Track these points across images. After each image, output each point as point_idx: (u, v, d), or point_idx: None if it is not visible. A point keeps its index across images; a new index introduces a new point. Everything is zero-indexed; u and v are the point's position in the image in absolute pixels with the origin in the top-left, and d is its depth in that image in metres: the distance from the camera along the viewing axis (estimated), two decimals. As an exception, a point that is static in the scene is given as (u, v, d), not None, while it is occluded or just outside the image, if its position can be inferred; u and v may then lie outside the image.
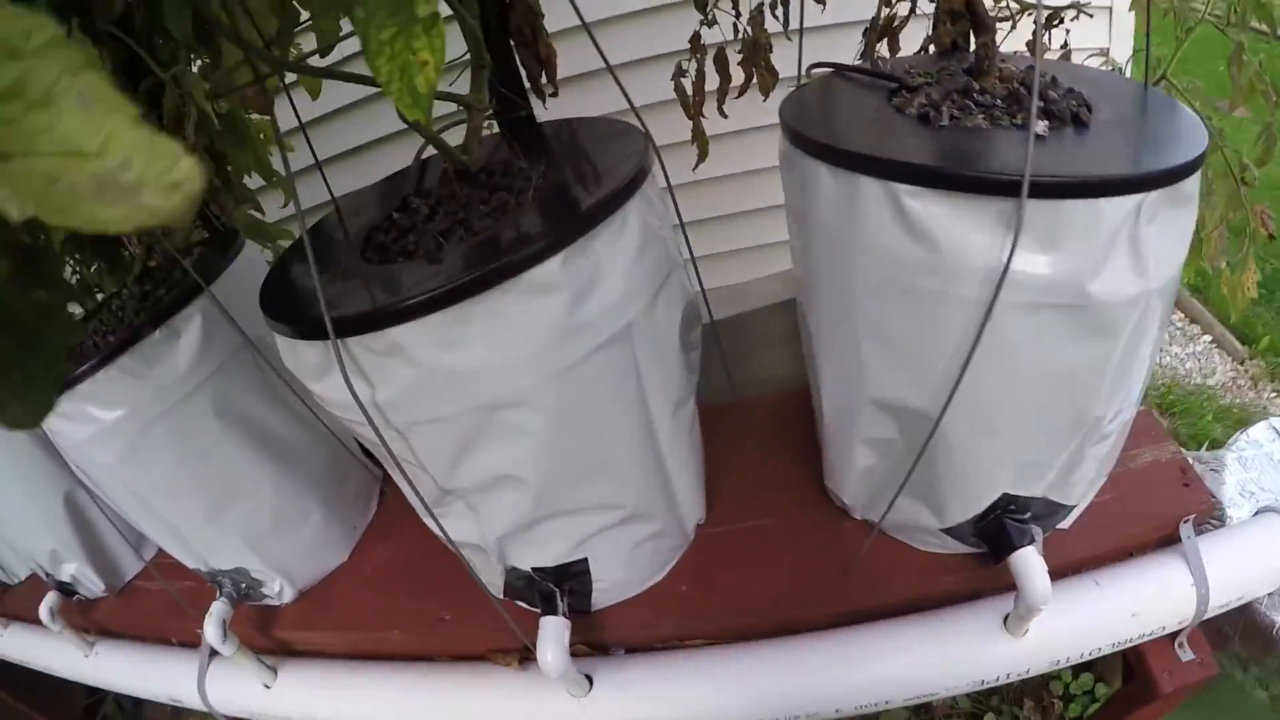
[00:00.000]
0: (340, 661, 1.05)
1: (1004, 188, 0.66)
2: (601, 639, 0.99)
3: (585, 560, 0.91)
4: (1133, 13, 1.13)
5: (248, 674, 1.04)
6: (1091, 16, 1.09)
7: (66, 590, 1.24)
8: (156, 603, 1.13)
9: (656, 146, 0.85)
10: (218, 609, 1.02)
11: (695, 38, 1.17)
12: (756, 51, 1.10)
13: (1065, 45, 1.12)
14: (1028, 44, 1.12)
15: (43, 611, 1.19)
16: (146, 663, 1.13)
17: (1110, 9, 2.04)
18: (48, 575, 1.24)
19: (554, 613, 0.91)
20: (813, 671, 0.93)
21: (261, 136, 1.23)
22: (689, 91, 1.17)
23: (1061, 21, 1.11)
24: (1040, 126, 0.75)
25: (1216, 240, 0.98)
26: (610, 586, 0.95)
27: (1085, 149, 0.73)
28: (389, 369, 0.74)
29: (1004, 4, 1.06)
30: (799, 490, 1.03)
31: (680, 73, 1.18)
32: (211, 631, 1.01)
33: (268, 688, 1.04)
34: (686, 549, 1.00)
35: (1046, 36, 1.10)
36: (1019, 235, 0.65)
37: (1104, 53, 1.16)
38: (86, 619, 1.27)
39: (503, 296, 0.71)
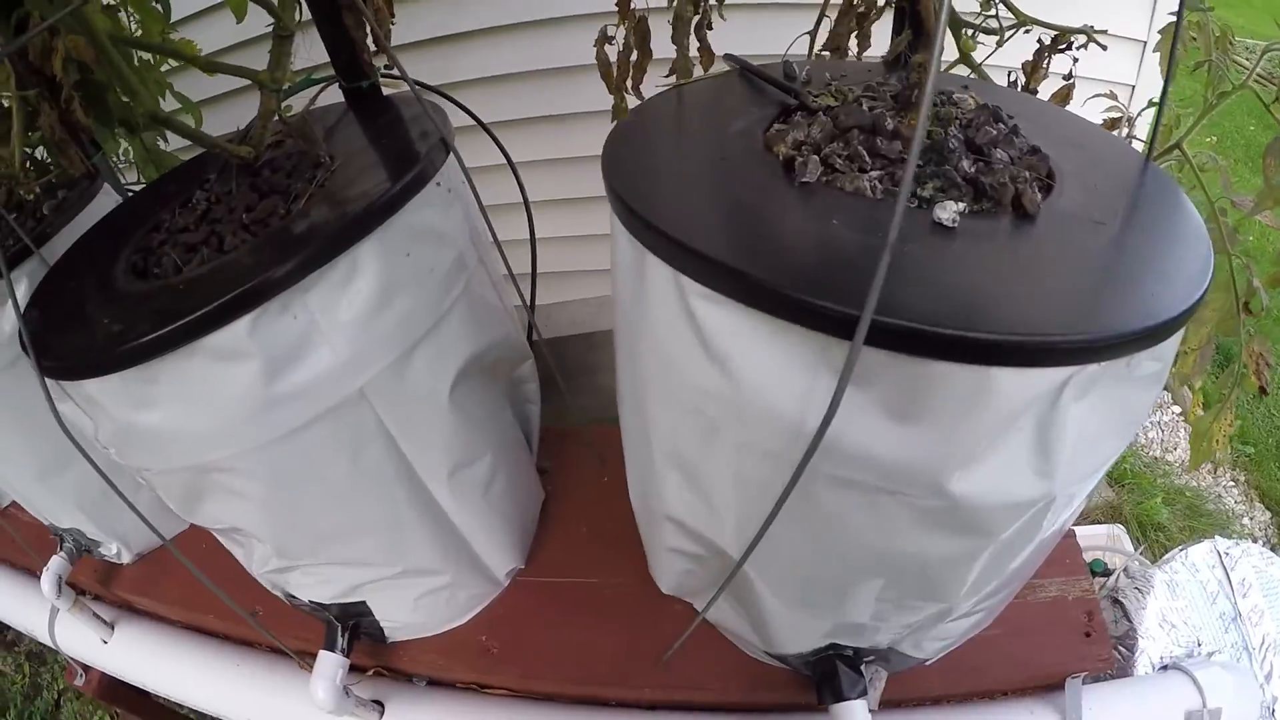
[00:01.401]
0: (172, 628, 0.93)
1: (831, 323, 0.39)
2: (401, 667, 0.82)
3: (364, 603, 0.74)
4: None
5: (87, 626, 0.93)
6: (1105, 49, 0.73)
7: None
8: (27, 533, 1.03)
9: (457, 153, 0.59)
10: (55, 564, 0.89)
11: (624, 2, 0.85)
12: (680, 28, 0.79)
13: (1070, 76, 0.76)
14: (1024, 66, 0.77)
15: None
16: (8, 591, 1.04)
17: (1144, 44, 1.44)
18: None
19: (332, 648, 0.74)
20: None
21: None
22: (611, 62, 0.87)
23: (1069, 47, 0.75)
24: (947, 213, 0.45)
25: (1196, 361, 0.66)
26: (400, 627, 0.77)
27: (1011, 262, 0.43)
28: (97, 414, 0.56)
29: (991, 14, 0.72)
30: (636, 549, 0.80)
31: (605, 38, 0.88)
32: (47, 586, 0.88)
33: (105, 642, 0.94)
34: (495, 597, 0.80)
35: (1046, 62, 0.75)
36: (842, 394, 0.36)
37: (1112, 94, 0.79)
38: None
39: (187, 360, 0.49)
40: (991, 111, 0.58)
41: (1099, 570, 1.12)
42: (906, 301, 0.38)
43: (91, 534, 0.91)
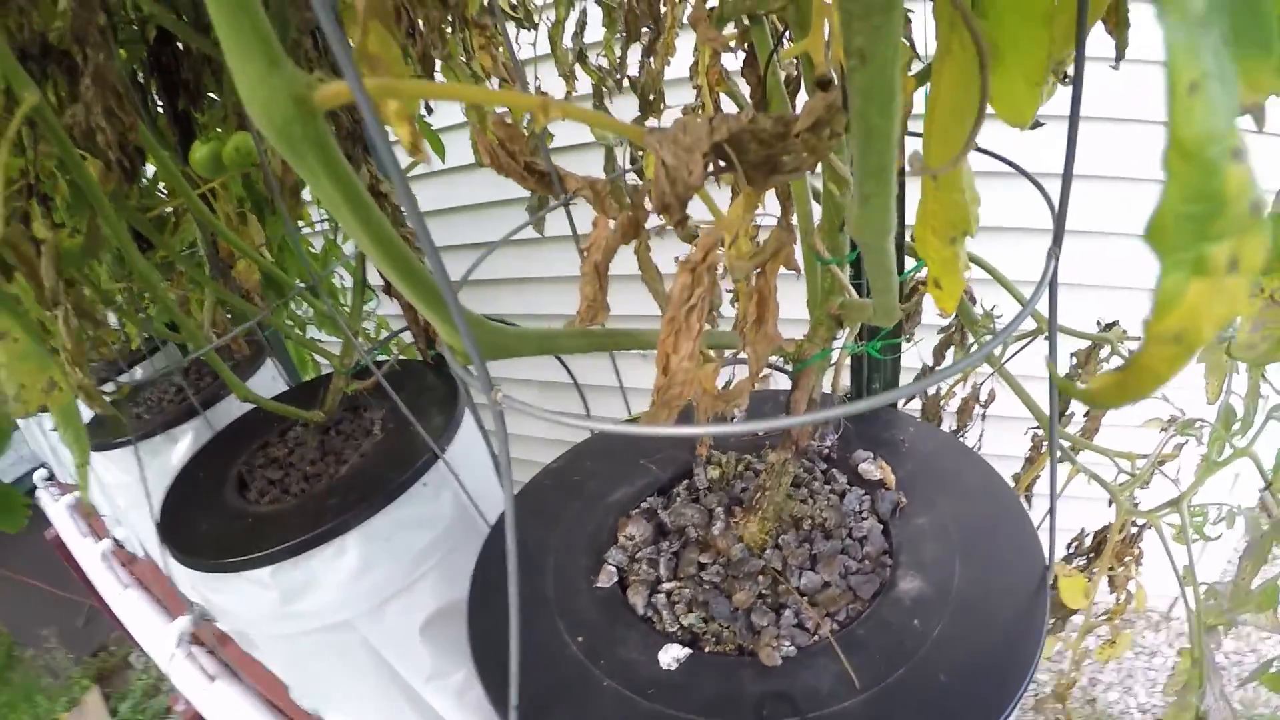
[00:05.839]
0: (255, 700, 1.29)
1: None
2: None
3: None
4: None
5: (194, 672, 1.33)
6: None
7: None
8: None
9: (447, 462, 0.85)
10: (181, 622, 1.31)
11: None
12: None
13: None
14: (1078, 355, 0.74)
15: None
16: (150, 623, 1.47)
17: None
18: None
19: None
20: None
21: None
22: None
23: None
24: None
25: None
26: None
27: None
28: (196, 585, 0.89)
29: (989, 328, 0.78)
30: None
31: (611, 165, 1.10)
32: (171, 635, 1.30)
33: (204, 690, 1.32)
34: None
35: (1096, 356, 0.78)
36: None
37: (1164, 397, 0.66)
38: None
39: (236, 579, 0.81)
40: (873, 501, 0.58)
41: None
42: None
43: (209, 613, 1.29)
